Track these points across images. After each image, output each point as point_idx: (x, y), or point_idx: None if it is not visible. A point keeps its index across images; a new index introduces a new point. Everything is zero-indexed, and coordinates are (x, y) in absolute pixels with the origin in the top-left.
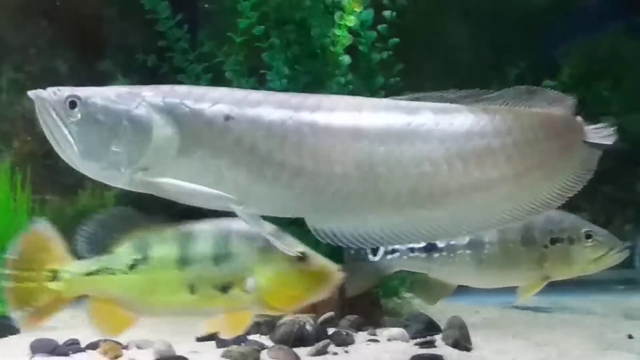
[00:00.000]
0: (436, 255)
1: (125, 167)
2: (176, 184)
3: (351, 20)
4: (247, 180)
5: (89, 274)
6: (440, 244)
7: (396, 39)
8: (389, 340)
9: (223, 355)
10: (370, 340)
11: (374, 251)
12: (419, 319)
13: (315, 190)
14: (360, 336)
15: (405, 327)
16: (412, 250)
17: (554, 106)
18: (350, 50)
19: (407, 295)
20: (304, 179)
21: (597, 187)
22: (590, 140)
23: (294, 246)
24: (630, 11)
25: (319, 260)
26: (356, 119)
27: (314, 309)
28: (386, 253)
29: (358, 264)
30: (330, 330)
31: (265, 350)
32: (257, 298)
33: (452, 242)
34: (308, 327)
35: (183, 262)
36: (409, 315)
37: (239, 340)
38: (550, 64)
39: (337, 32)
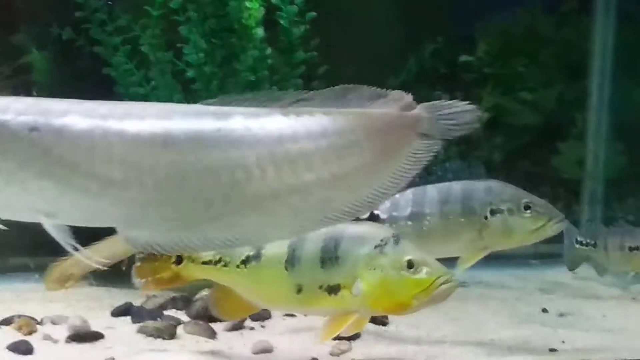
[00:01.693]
0: None
1: None
2: None
3: None
4: (55, 192)
5: (205, 262)
6: (382, 215)
7: (313, 13)
8: (305, 315)
9: (139, 331)
10: (287, 314)
11: None
12: None
13: (126, 200)
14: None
15: None
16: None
17: (379, 103)
18: (274, 24)
19: None
20: (114, 189)
21: (513, 163)
22: (430, 133)
23: (405, 254)
24: None
25: (429, 268)
26: (166, 127)
27: None
28: None
29: None
30: None
31: (182, 325)
32: (363, 302)
33: (394, 214)
34: None
35: (292, 262)
36: None
37: (155, 315)
38: (467, 40)
39: (249, 4)
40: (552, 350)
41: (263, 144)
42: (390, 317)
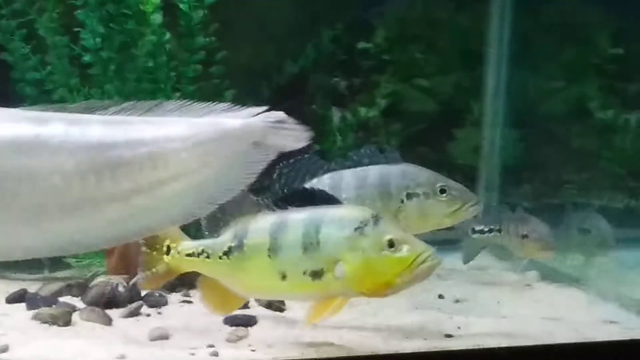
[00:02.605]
0: None
1: None
2: None
3: None
4: None
5: (188, 255)
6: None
7: None
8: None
9: (34, 318)
10: (183, 301)
11: None
12: None
13: None
14: (174, 297)
15: None
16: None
17: (214, 113)
18: (173, 9)
19: None
20: None
21: (410, 149)
22: (271, 143)
23: (385, 233)
24: None
25: (411, 246)
26: None
27: (127, 270)
28: None
29: None
30: (143, 292)
31: (77, 312)
32: (347, 284)
33: None
34: (120, 288)
35: (274, 250)
36: None
37: (50, 302)
38: (366, 26)
39: None
40: (448, 335)
41: (83, 150)
42: (288, 303)
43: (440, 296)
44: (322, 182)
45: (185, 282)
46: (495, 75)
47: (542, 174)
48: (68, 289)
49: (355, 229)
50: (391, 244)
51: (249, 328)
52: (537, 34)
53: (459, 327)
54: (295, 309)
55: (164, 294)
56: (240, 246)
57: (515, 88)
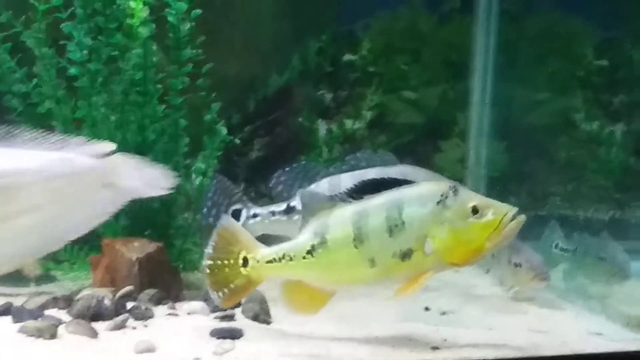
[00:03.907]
0: (296, 217)
1: None
2: None
3: None
4: None
5: (270, 261)
6: (299, 205)
7: (199, 11)
8: (188, 314)
9: (19, 331)
10: (169, 314)
11: (236, 216)
12: None
13: None
14: (160, 310)
15: (205, 300)
16: (273, 213)
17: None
18: (159, 22)
19: None
20: None
21: (398, 160)
22: (123, 185)
23: (467, 201)
24: None
25: (494, 209)
26: None
27: (113, 283)
28: (248, 218)
29: None
30: (129, 305)
31: (63, 325)
32: (438, 258)
33: None
34: (106, 301)
35: (359, 239)
36: None
37: (36, 315)
38: (351, 39)
39: (132, 4)
40: (434, 348)
41: None
42: (274, 315)
43: (427, 308)
44: (320, 186)
45: (171, 295)
46: (481, 87)
47: (528, 186)
48: (54, 302)
49: (438, 203)
50: (475, 211)
51: (235, 340)
52: (522, 45)
53: (445, 339)
54: (283, 322)
55: (150, 307)
56: (323, 242)
57: (500, 100)
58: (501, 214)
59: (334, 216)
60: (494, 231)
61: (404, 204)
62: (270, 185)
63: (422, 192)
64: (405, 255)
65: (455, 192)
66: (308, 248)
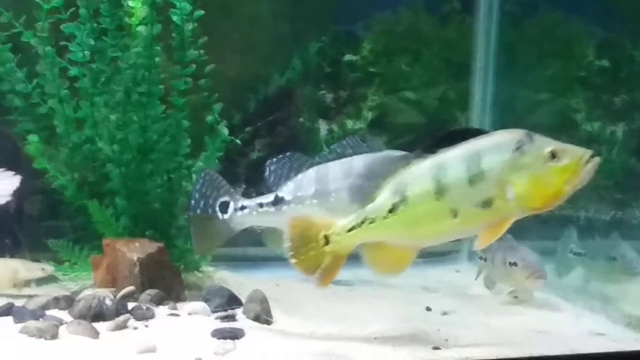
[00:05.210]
0: (284, 207)
1: None
2: None
3: None
4: None
5: (350, 229)
6: (287, 197)
7: (201, 12)
8: (189, 314)
9: (21, 331)
10: (171, 314)
11: (223, 209)
12: (220, 293)
13: None
14: (161, 310)
15: (206, 301)
16: (261, 205)
17: None
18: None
19: (209, 269)
20: None
21: None
22: None
23: (544, 146)
24: None
25: (570, 152)
26: None
27: (114, 283)
28: (235, 210)
29: (207, 222)
30: (131, 305)
31: (64, 325)
32: (518, 205)
33: (298, 194)
34: (107, 301)
35: (440, 192)
36: (210, 289)
37: (37, 315)
38: (352, 39)
39: (132, 3)
40: (436, 348)
41: None
42: (275, 316)
43: (428, 308)
44: (308, 176)
45: (172, 295)
46: (482, 87)
47: None
48: (55, 302)
49: (515, 150)
50: (553, 155)
51: (236, 341)
52: (523, 46)
53: (446, 340)
54: (284, 322)
55: (151, 307)
56: (404, 199)
57: (501, 100)
58: (578, 157)
59: (410, 173)
60: (571, 174)
61: (482, 153)
62: (264, 175)
63: (498, 140)
64: (487, 203)
65: (531, 138)
66: (389, 207)
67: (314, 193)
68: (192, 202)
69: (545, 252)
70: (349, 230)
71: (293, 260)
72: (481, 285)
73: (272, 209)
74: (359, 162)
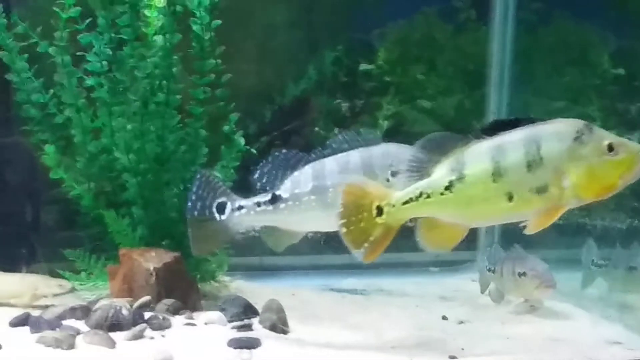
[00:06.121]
0: (282, 205)
1: None
2: None
3: (160, 2)
4: None
5: (406, 202)
6: (284, 194)
7: (218, 21)
8: (206, 324)
9: (38, 341)
10: (187, 324)
11: (220, 210)
12: (236, 302)
13: None
14: (178, 320)
15: (222, 310)
16: (258, 204)
17: None
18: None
19: (225, 278)
20: None
21: None
22: None
23: (602, 139)
24: None
25: (627, 147)
26: None
27: (131, 293)
28: (233, 210)
29: (205, 224)
30: (147, 315)
31: (81, 335)
32: (573, 193)
33: (296, 191)
34: (124, 311)
35: (498, 174)
36: (227, 299)
37: (54, 325)
38: (367, 48)
39: (148, 12)
40: (452, 357)
41: None
42: (291, 325)
43: (444, 317)
44: (304, 173)
45: (189, 305)
46: (497, 95)
47: None
48: (72, 312)
49: (575, 139)
50: (610, 148)
51: (253, 350)
52: (538, 54)
53: (462, 349)
54: (300, 331)
55: (167, 316)
56: (461, 177)
57: (517, 108)
58: (635, 152)
59: (470, 152)
60: (626, 169)
61: (541, 139)
62: (255, 177)
63: (558, 129)
64: (542, 189)
65: (590, 130)
66: (446, 184)
67: (311, 189)
68: (189, 204)
69: (560, 262)
70: (404, 203)
71: (343, 230)
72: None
73: (270, 207)
74: (355, 157)
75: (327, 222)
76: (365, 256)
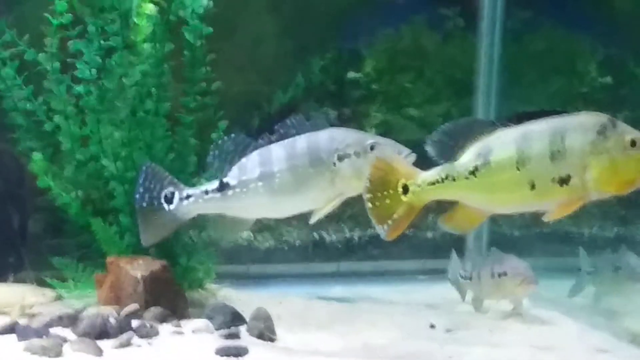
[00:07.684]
0: (230, 192)
1: None
2: None
3: (149, 9)
4: None
5: (432, 183)
6: (232, 181)
7: (210, 29)
8: (193, 332)
9: (25, 349)
10: (174, 332)
11: (168, 199)
12: (224, 310)
13: None
14: (165, 328)
15: (210, 318)
16: (206, 192)
17: None
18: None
19: (212, 286)
20: None
21: None
22: None
23: (626, 134)
24: (431, 3)
25: None
26: None
27: (118, 301)
28: (181, 199)
29: (153, 213)
30: (134, 323)
31: (68, 343)
32: (594, 186)
33: (243, 178)
34: (111, 319)
35: (522, 162)
36: (214, 306)
37: (41, 333)
38: (355, 56)
39: (137, 20)
40: None
41: None
42: (279, 333)
43: (432, 325)
44: (251, 159)
45: (176, 313)
46: (485, 104)
47: None
48: (59, 320)
49: (599, 133)
50: (633, 143)
51: (240, 358)
52: (525, 63)
53: (450, 357)
54: (288, 340)
55: (155, 324)
56: (486, 163)
57: (504, 116)
58: None
59: (496, 138)
60: None
61: (566, 131)
62: (208, 160)
63: (583, 121)
64: (564, 180)
65: (614, 124)
66: (471, 168)
67: (258, 176)
68: (137, 196)
69: (547, 270)
70: (430, 184)
71: (369, 205)
72: (485, 301)
73: (218, 195)
74: (302, 142)
75: (275, 208)
76: (388, 233)
